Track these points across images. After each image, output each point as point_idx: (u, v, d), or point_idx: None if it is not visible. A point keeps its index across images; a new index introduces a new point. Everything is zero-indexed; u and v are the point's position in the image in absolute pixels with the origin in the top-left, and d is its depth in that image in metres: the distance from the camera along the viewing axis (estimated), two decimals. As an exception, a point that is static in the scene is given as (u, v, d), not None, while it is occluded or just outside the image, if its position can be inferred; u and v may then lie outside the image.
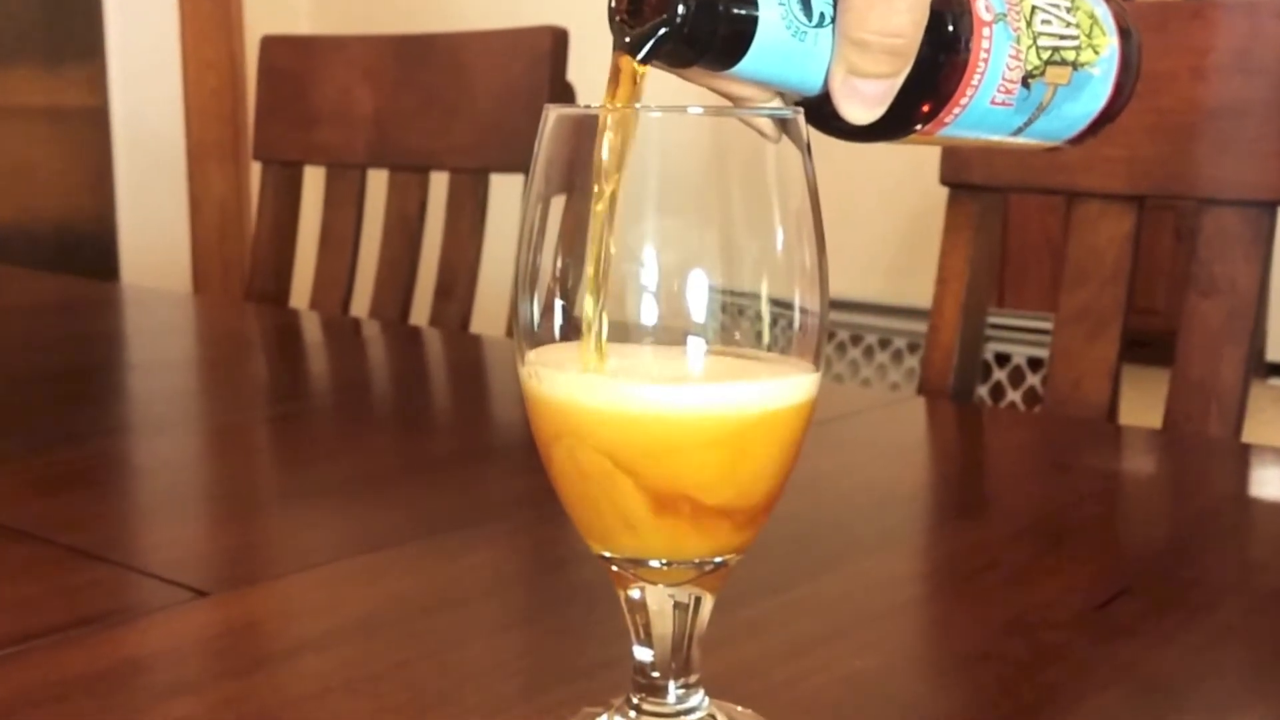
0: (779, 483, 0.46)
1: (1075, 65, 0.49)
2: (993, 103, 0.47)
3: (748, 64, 0.44)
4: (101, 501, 0.81)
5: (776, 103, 0.48)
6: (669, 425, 0.43)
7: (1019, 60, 0.47)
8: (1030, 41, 0.47)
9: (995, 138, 0.50)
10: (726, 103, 0.47)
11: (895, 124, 0.47)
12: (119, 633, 0.60)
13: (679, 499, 0.44)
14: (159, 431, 1.01)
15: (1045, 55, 0.48)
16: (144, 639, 0.60)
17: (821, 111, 0.46)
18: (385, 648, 0.58)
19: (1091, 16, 0.50)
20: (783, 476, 0.46)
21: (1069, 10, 0.49)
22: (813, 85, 0.46)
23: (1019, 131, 0.50)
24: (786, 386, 0.45)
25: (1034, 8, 0.48)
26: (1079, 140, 0.52)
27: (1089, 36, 0.49)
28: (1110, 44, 0.50)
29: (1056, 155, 0.53)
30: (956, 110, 0.47)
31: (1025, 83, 0.48)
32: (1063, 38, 0.49)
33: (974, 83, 0.46)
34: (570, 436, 0.45)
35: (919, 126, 0.47)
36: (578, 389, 0.44)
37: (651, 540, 0.45)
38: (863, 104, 0.46)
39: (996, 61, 0.46)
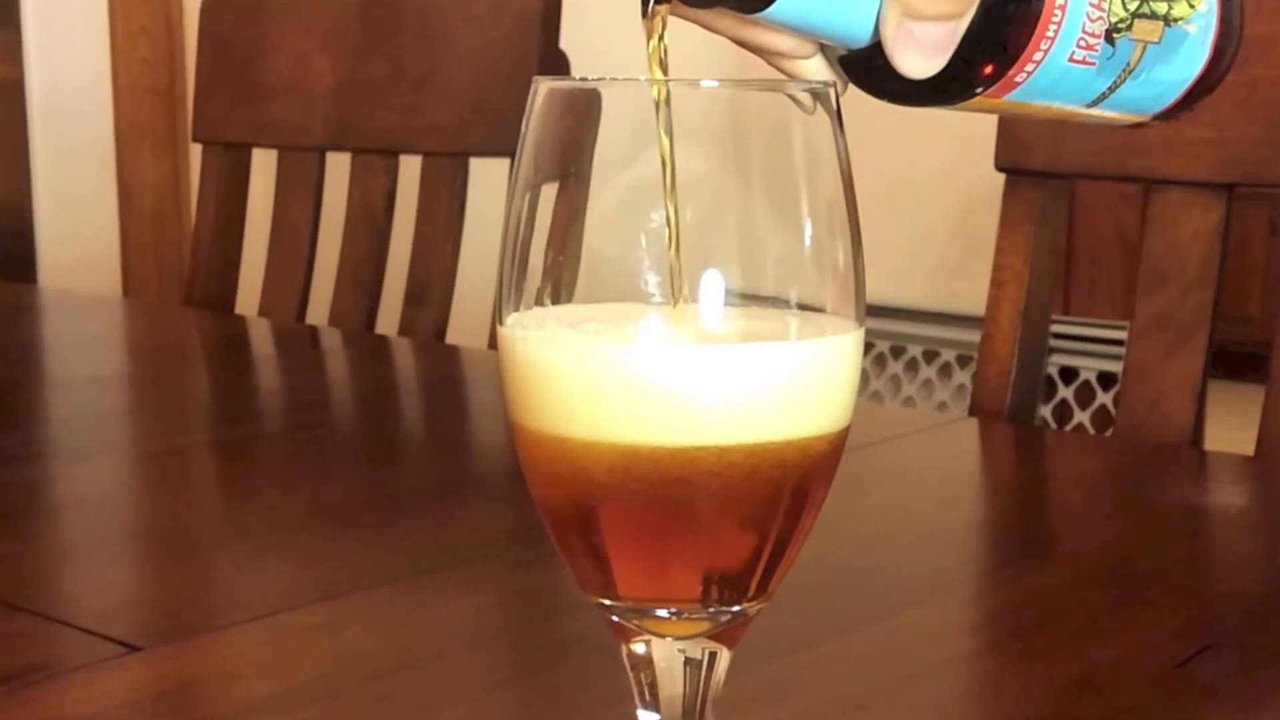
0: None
1: (1168, 20, 0.49)
2: (1071, 60, 0.47)
3: (784, 4, 0.44)
4: (16, 541, 0.81)
5: (818, 60, 0.47)
6: (680, 395, 0.43)
7: (1102, 11, 0.47)
8: None
9: (1072, 106, 0.49)
10: (746, 74, 0.47)
11: (956, 83, 0.47)
12: (36, 693, 0.60)
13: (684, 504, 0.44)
14: (84, 459, 1.01)
15: (1133, 6, 0.48)
16: (65, 701, 0.60)
17: (870, 67, 0.46)
18: (347, 711, 0.58)
19: None
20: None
21: None
22: (860, 33, 0.46)
23: (1101, 100, 0.49)
24: (825, 347, 0.44)
25: None
26: (1169, 114, 0.52)
27: None
28: None
29: (1132, 134, 0.53)
30: (1029, 68, 0.46)
31: (1110, 38, 0.47)
32: None
33: (1049, 35, 0.46)
34: (563, 425, 0.44)
35: (982, 89, 0.47)
36: (571, 351, 0.44)
37: (652, 572, 0.45)
38: (920, 52, 0.45)
39: (1075, 11, 0.46)
